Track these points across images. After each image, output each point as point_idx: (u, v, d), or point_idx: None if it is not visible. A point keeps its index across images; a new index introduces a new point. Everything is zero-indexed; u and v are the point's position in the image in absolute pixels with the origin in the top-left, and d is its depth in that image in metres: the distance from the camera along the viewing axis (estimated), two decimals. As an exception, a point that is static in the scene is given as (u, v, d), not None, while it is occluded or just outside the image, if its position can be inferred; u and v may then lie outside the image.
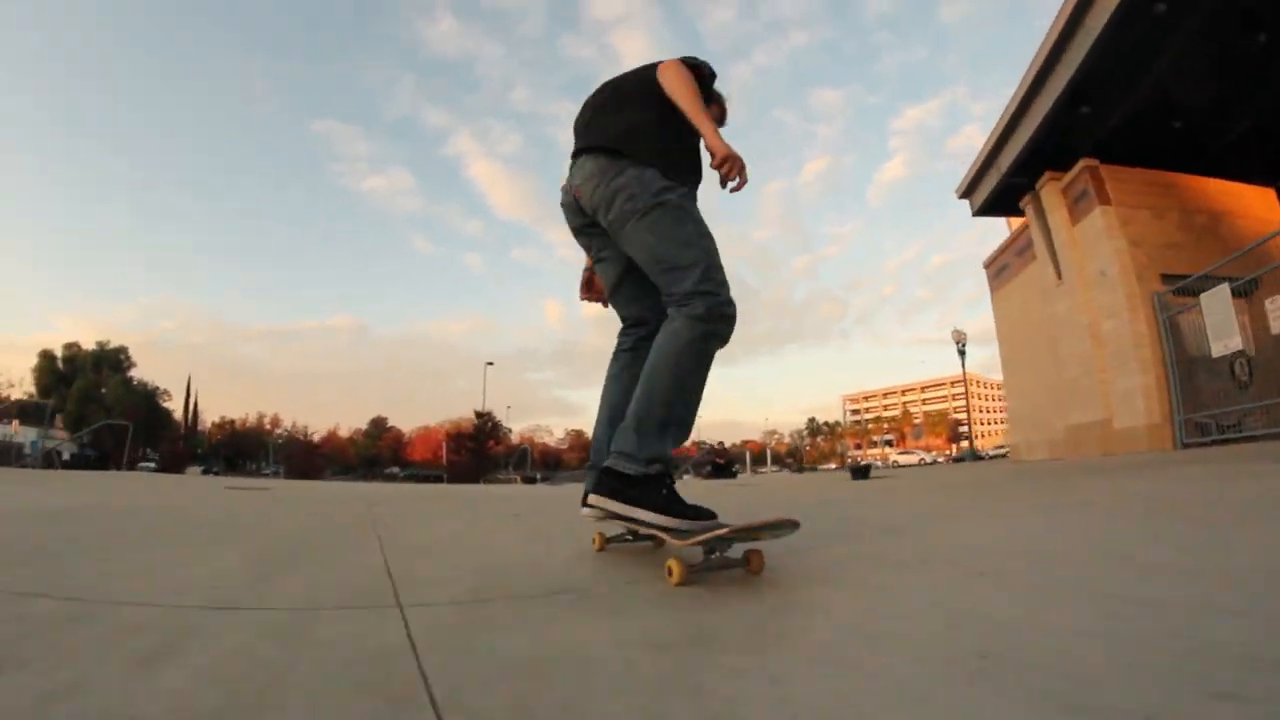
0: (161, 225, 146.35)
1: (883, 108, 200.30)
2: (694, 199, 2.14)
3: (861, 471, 11.67)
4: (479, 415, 57.75)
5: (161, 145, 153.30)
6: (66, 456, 34.72)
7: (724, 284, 1.95)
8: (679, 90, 2.05)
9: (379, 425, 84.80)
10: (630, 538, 2.23)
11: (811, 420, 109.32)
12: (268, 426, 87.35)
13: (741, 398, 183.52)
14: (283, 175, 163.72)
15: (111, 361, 60.11)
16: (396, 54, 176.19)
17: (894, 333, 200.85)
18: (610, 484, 1.85)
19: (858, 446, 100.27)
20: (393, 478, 66.57)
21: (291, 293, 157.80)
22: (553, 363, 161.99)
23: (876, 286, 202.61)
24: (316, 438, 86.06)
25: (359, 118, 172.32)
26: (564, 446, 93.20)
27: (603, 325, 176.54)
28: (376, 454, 76.73)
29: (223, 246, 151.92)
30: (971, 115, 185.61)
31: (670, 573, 1.64)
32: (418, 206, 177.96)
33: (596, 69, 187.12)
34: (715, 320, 1.90)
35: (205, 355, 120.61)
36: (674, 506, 1.77)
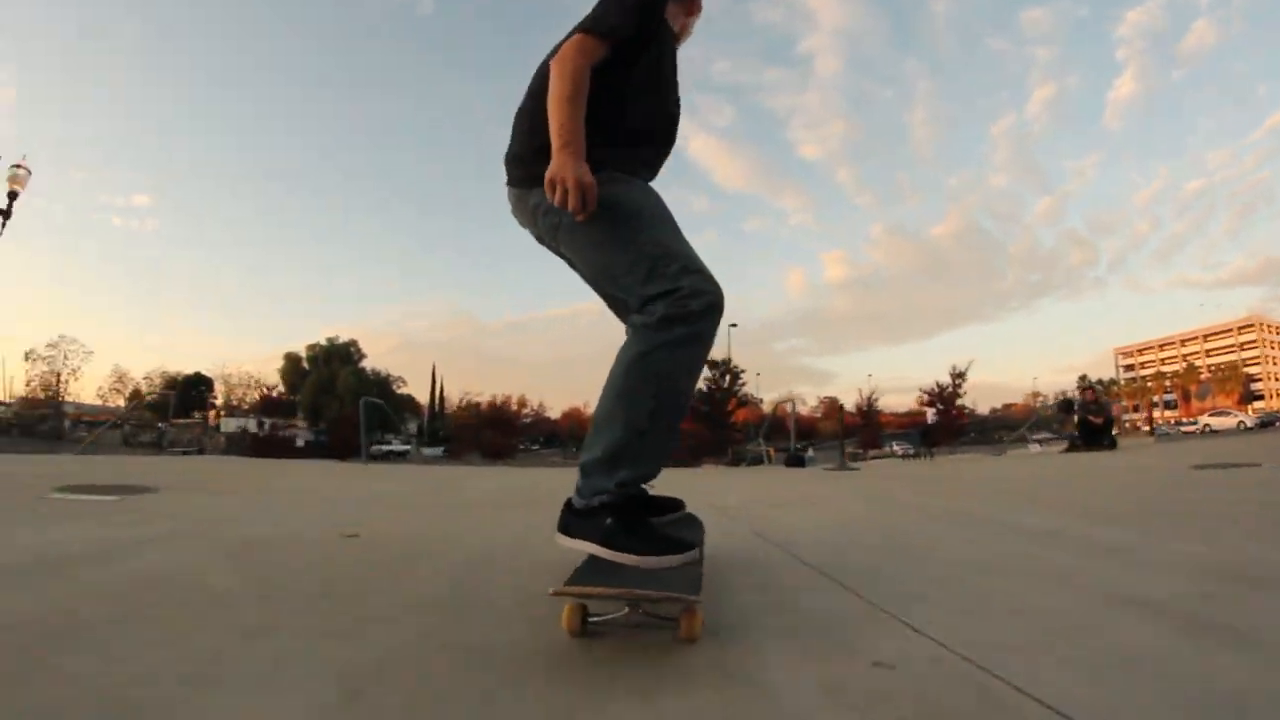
0: (398, 237, 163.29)
1: (1098, 16, 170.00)
2: (627, 182, 1.87)
3: (797, 460, 11.29)
4: (713, 366, 40.32)
5: (403, 166, 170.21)
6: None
7: (683, 273, 1.71)
8: (552, 92, 1.79)
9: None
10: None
11: (1083, 378, 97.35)
12: (514, 407, 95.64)
13: (999, 357, 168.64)
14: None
15: (342, 354, 68.53)
16: None
17: (1152, 276, 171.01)
18: (563, 517, 1.75)
19: (1135, 408, 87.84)
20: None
21: (539, 285, 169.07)
22: (799, 330, 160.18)
23: (1127, 224, 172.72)
24: (556, 415, 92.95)
25: None
26: (817, 415, 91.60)
27: (849, 290, 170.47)
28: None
29: (467, 250, 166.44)
30: (1198, 7, 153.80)
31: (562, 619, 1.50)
32: None
33: (791, 30, 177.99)
34: (679, 321, 1.67)
35: (455, 350, 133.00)
36: (618, 539, 1.59)
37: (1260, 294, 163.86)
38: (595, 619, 1.56)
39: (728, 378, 41.99)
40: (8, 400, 57.27)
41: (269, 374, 70.23)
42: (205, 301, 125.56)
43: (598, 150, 1.77)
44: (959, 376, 41.55)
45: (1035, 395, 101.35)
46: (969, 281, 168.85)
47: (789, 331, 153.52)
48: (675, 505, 2.08)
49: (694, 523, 2.12)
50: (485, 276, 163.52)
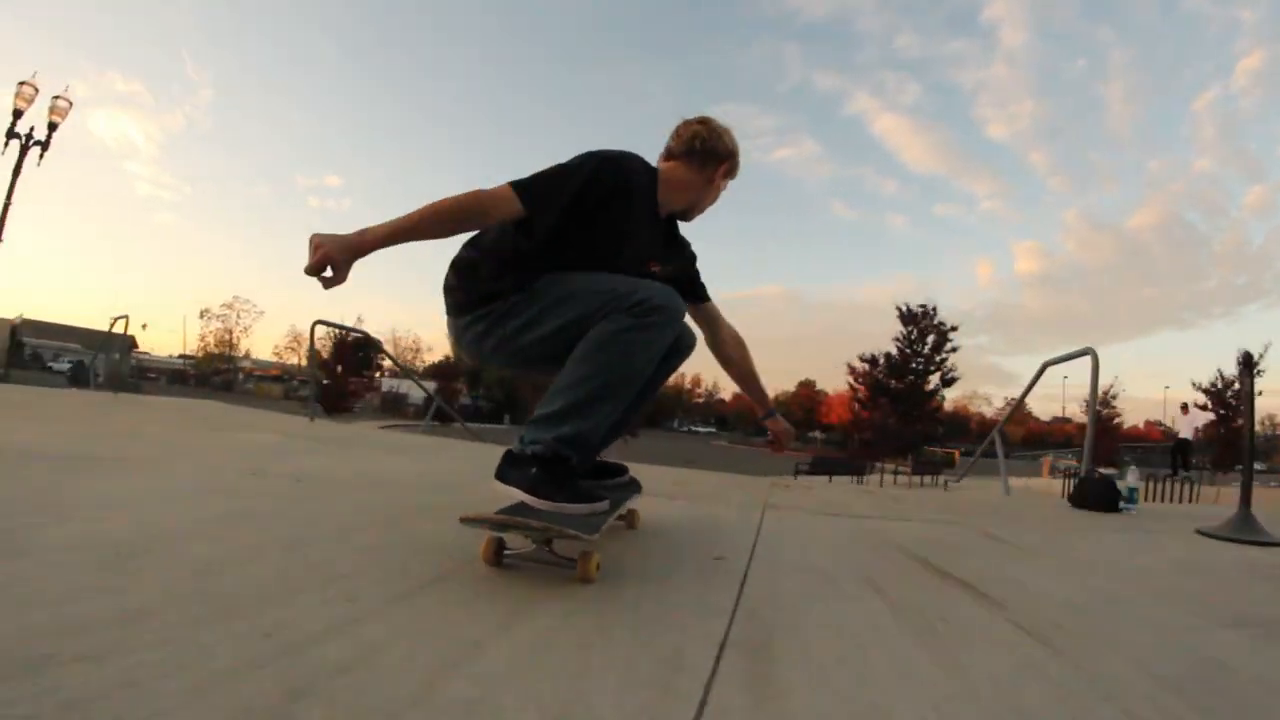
0: None
1: None
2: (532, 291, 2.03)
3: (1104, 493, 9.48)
4: (909, 319, 26.92)
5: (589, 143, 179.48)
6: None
7: (642, 288, 1.90)
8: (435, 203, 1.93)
9: (804, 386, 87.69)
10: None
11: None
12: (688, 386, 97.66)
13: (1198, 368, 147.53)
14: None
15: None
16: (771, 28, 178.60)
17: None
18: (500, 464, 1.90)
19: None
20: (809, 441, 68.74)
21: (723, 267, 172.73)
22: (986, 327, 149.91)
23: None
24: (727, 397, 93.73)
25: (754, 96, 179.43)
26: (999, 417, 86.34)
27: (1040, 288, 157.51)
28: (787, 414, 79.53)
29: None
30: None
31: (481, 551, 1.75)
32: (830, 172, 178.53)
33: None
34: (650, 312, 1.86)
35: None
36: (538, 486, 1.78)
37: None
38: (509, 553, 1.78)
39: (931, 337, 25.08)
40: (188, 354, 64.83)
41: (441, 340, 74.13)
42: (386, 271, 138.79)
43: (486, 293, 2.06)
44: (1252, 366, 31.28)
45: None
46: (1169, 281, 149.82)
47: (975, 327, 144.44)
48: (619, 470, 2.31)
49: (630, 486, 2.32)
50: None
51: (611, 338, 1.85)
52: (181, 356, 66.71)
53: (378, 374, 50.85)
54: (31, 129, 12.58)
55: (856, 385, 14.70)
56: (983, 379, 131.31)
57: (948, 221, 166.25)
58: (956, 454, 24.19)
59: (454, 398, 18.25)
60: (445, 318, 2.19)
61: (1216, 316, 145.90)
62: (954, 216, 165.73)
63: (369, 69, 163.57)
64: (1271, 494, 11.71)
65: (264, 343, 76.57)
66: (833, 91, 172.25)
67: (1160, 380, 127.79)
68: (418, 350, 72.83)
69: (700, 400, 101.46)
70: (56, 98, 12.94)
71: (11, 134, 12.21)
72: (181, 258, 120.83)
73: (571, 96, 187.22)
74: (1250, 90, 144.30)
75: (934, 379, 25.03)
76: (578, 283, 1.98)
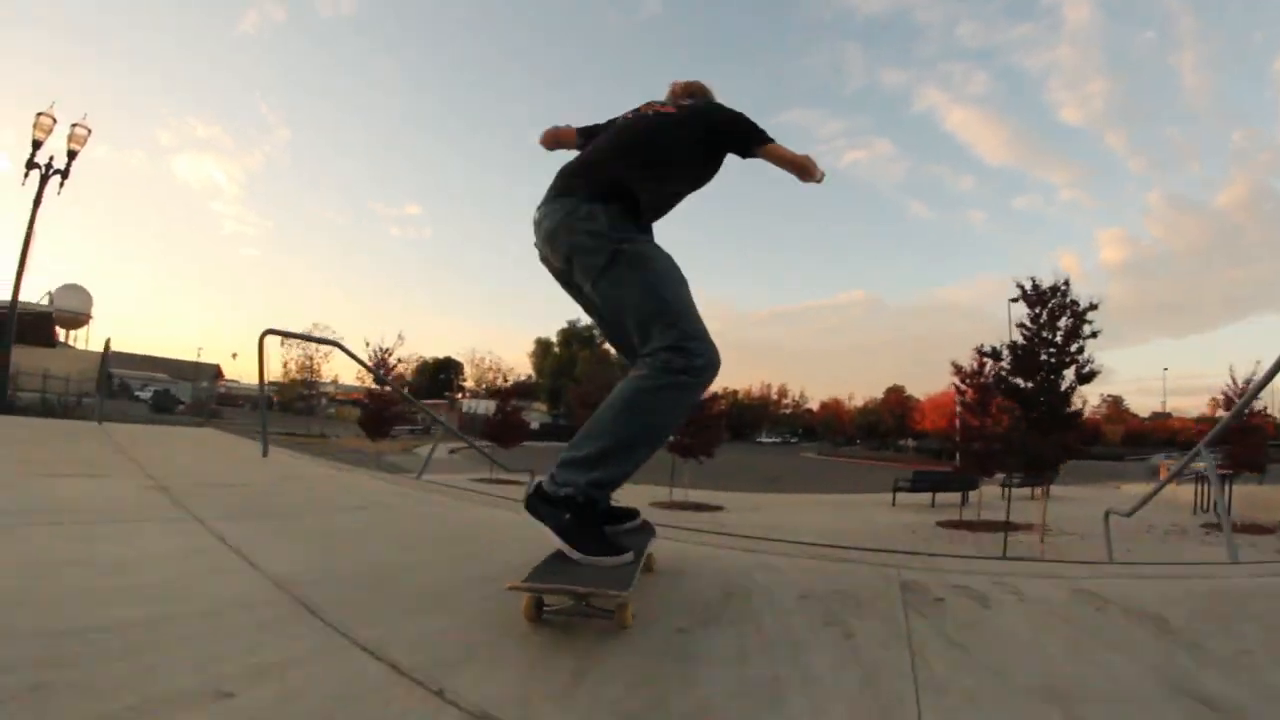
0: (667, 229, 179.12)
1: None
2: (658, 245, 2.22)
3: None
4: (1034, 299, 14.00)
5: None
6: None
7: (695, 334, 1.99)
8: (785, 154, 2.37)
9: (894, 393, 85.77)
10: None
11: None
12: (774, 396, 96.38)
13: None
14: (768, 168, 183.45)
15: (583, 338, 71.50)
16: (830, 30, 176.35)
17: None
18: (531, 496, 1.97)
19: None
20: (901, 450, 66.47)
21: (802, 276, 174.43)
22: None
23: None
24: (814, 406, 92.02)
25: (819, 100, 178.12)
26: (1098, 416, 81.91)
27: (1127, 277, 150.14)
28: (877, 421, 77.33)
29: (725, 242, 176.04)
30: None
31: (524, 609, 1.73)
32: (904, 171, 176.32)
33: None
34: (684, 371, 1.94)
35: (717, 339, 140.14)
36: (571, 534, 1.86)
37: None
38: (549, 609, 1.78)
39: (1064, 320, 12.55)
40: (273, 380, 68.06)
41: (522, 361, 76.21)
42: (465, 294, 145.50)
43: (645, 220, 2.26)
44: None
45: None
46: (1264, 260, 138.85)
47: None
48: (632, 514, 2.36)
49: (645, 530, 2.37)
50: (748, 264, 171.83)
51: (655, 392, 1.94)
52: (269, 383, 69.10)
53: (459, 395, 51.86)
54: (51, 159, 12.71)
55: (963, 388, 13.39)
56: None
57: (1028, 214, 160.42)
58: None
59: (512, 421, 18.08)
60: (554, 199, 2.18)
61: None
62: (1034, 209, 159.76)
63: (441, 98, 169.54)
64: None
65: (347, 368, 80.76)
66: (899, 88, 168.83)
67: (1260, 369, 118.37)
68: (498, 370, 74.87)
69: (787, 410, 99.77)
70: (75, 125, 13.09)
71: (31, 164, 12.28)
72: (267, 290, 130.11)
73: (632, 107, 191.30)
74: None
75: (1068, 374, 19.23)
76: (668, 271, 2.11)
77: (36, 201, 12.52)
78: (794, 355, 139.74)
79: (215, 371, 71.06)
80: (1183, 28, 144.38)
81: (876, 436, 75.31)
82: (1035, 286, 8.83)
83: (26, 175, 12.48)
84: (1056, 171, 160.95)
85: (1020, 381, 8.62)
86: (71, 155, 13.00)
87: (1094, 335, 8.58)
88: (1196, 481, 16.20)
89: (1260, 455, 13.12)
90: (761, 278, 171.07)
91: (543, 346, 74.55)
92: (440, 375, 76.19)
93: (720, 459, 16.35)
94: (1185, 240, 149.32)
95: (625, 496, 2.42)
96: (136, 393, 44.69)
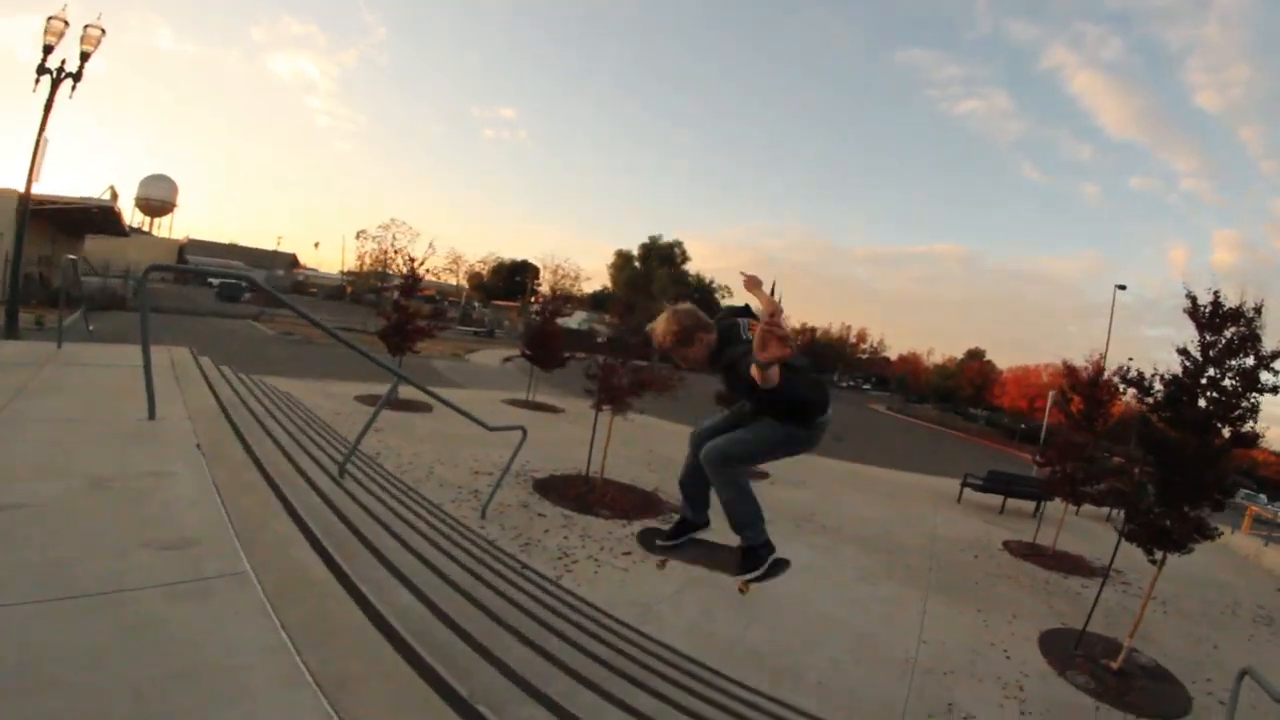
0: (773, 157, 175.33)
1: None
2: None
3: None
4: (1211, 319, 9.95)
5: (769, 88, 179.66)
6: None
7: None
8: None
9: (974, 356, 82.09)
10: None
11: None
12: (853, 339, 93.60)
13: None
14: (878, 107, 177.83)
15: (664, 254, 69.58)
16: None
17: None
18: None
19: None
20: (972, 420, 63.74)
21: (898, 220, 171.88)
22: (1171, 318, 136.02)
23: None
24: (893, 355, 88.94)
25: (939, 42, 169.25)
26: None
27: (1237, 283, 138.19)
28: (954, 386, 74.02)
29: (830, 176, 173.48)
30: None
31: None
32: (1021, 130, 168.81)
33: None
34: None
35: (809, 272, 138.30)
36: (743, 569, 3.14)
37: None
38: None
39: (1248, 359, 7.81)
40: (349, 271, 68.86)
41: (601, 272, 75.84)
42: (554, 202, 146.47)
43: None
44: None
45: None
46: None
47: (1163, 318, 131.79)
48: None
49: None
50: (851, 199, 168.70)
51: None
52: (343, 273, 71.00)
53: (532, 299, 51.73)
54: (63, 61, 11.98)
55: (1070, 394, 11.40)
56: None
57: (1144, 197, 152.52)
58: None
59: (550, 333, 16.71)
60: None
61: None
62: (1151, 192, 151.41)
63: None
64: None
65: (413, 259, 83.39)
66: (1026, 42, 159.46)
67: None
68: (576, 278, 74.32)
69: (864, 356, 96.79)
70: (88, 26, 12.38)
71: (42, 69, 11.67)
72: (357, 184, 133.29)
73: (754, 41, 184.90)
74: None
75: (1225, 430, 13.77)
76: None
77: (47, 108, 11.92)
78: (882, 300, 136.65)
79: (291, 260, 72.72)
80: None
81: (951, 401, 72.21)
82: (1216, 304, 6.70)
83: (37, 81, 11.88)
84: (1181, 158, 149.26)
85: (1168, 431, 6.70)
86: (84, 57, 12.29)
87: (1276, 390, 6.51)
88: None
89: None
90: (862, 215, 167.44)
91: (623, 259, 73.01)
92: (516, 278, 75.85)
93: None
94: None
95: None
96: (210, 279, 46.16)
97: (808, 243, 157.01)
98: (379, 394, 14.08)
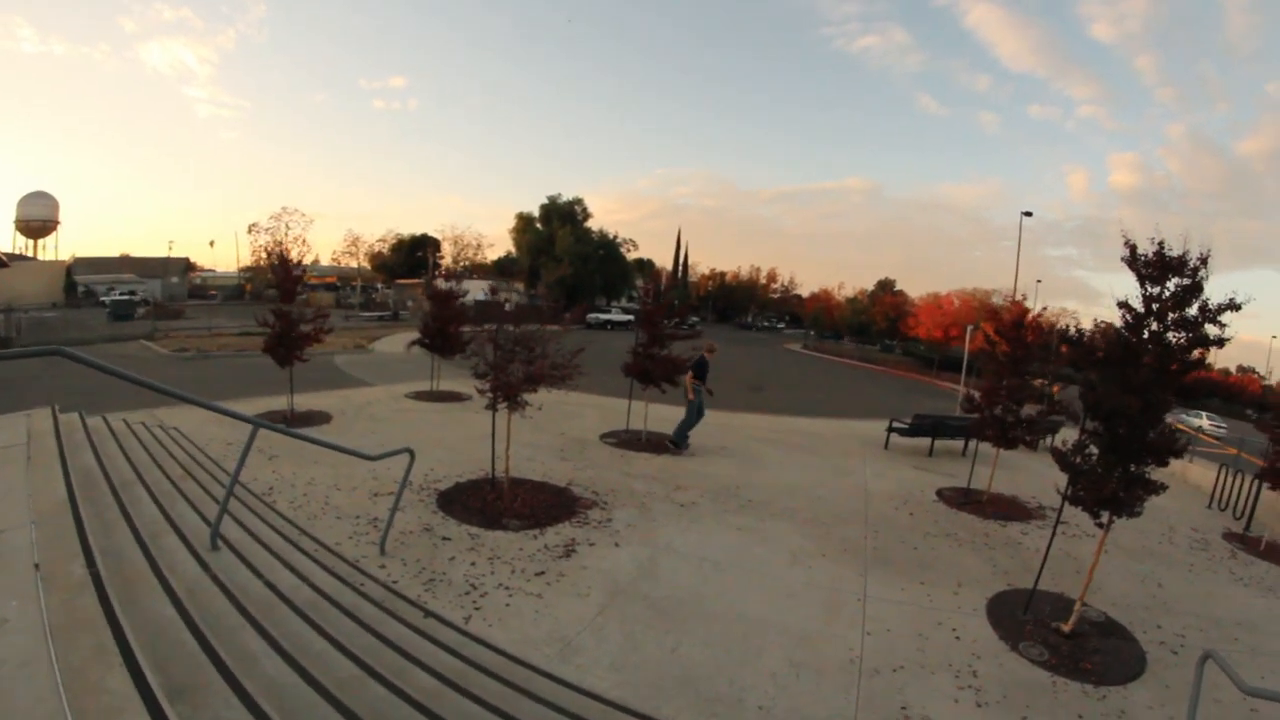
0: (672, 106, 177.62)
1: None
2: None
3: None
4: (1152, 269, 8.10)
5: (664, 32, 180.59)
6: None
7: None
8: None
9: (885, 288, 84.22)
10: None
11: None
12: (763, 280, 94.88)
13: None
14: (775, 48, 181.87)
15: (564, 213, 69.12)
16: None
17: None
18: None
19: None
20: (889, 351, 65.44)
21: (802, 159, 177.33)
22: (1074, 239, 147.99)
23: None
24: (804, 293, 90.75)
25: None
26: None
27: (1135, 204, 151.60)
28: (868, 320, 75.88)
29: (731, 120, 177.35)
30: None
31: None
32: (920, 63, 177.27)
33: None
34: None
35: (716, 216, 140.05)
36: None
37: None
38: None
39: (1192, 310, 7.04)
40: (246, 267, 67.88)
41: (504, 237, 75.04)
42: (449, 169, 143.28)
43: None
44: None
45: None
46: (1276, 214, 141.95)
47: (1064, 238, 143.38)
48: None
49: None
50: (754, 145, 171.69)
51: None
52: (240, 270, 69.80)
53: (436, 275, 50.73)
54: None
55: (995, 338, 11.36)
56: (1067, 293, 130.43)
57: (1042, 124, 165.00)
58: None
59: (449, 316, 15.44)
60: None
61: None
62: (1050, 120, 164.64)
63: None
64: None
65: (324, 248, 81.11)
66: None
67: (1253, 323, 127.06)
68: (479, 247, 72.87)
69: (776, 295, 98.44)
70: None
71: None
72: (247, 174, 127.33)
73: None
74: None
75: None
76: None
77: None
78: (790, 239, 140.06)
79: (185, 265, 69.53)
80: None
81: (867, 335, 74.10)
82: (1161, 252, 6.43)
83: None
84: (1078, 86, 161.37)
85: (1113, 386, 6.43)
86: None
87: (1220, 343, 6.34)
88: (1220, 470, 14.44)
89: None
90: (766, 156, 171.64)
91: (524, 221, 71.38)
92: (417, 253, 73.98)
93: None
94: (1201, 180, 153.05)
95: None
96: (103, 298, 44.33)
97: (713, 188, 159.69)
98: (278, 409, 13.24)
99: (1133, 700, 5.90)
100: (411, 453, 7.43)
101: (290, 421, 12.45)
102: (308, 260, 17.24)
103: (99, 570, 3.29)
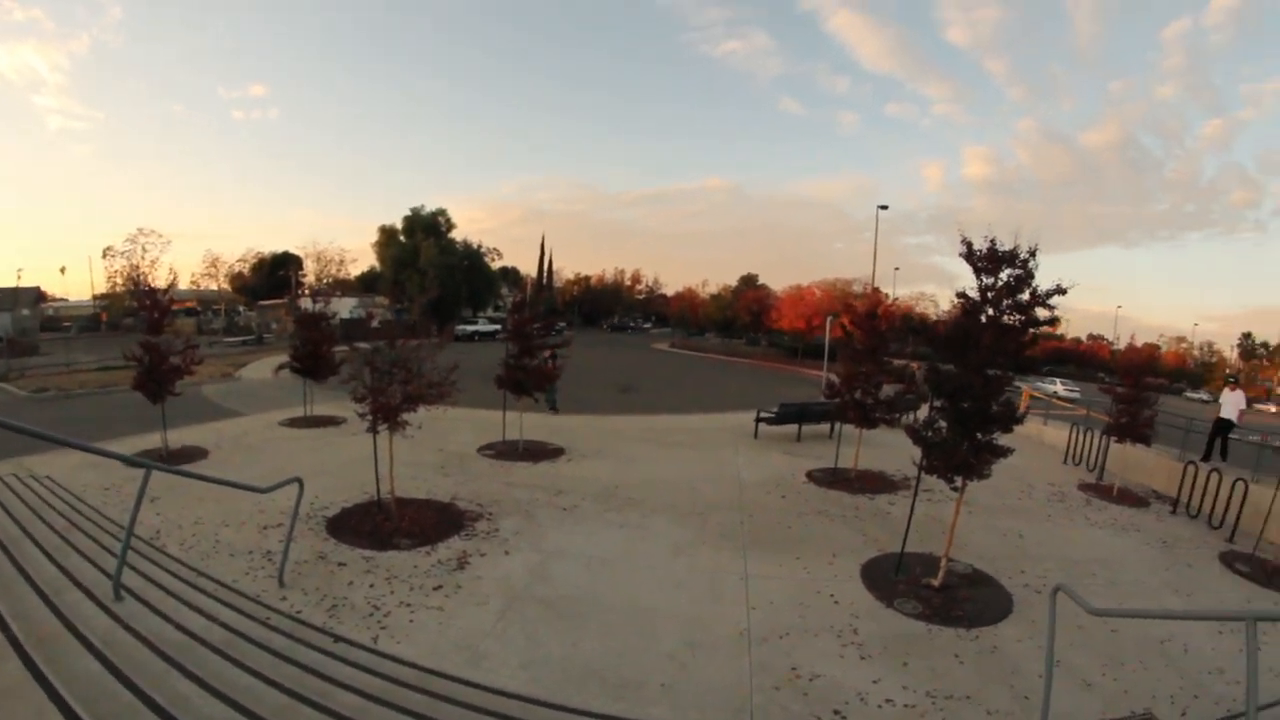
0: (533, 113, 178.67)
1: None
2: None
3: None
4: (986, 260, 10.45)
5: (526, 37, 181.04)
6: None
7: None
8: None
9: (748, 283, 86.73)
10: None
11: (1246, 337, 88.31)
12: (628, 282, 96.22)
13: (1142, 290, 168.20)
14: (640, 53, 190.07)
15: (427, 225, 68.37)
16: None
17: None
18: None
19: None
20: (755, 344, 67.70)
21: (666, 161, 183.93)
22: (930, 227, 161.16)
23: None
24: (669, 293, 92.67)
25: None
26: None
27: (989, 193, 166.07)
28: (733, 315, 78.08)
29: (594, 125, 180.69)
30: None
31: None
32: (781, 67, 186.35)
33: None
34: None
35: (581, 220, 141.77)
36: None
37: None
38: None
39: (1023, 297, 8.01)
40: (101, 295, 62.76)
41: (367, 252, 73.00)
42: (311, 182, 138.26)
43: None
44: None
45: (1180, 340, 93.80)
46: (1118, 199, 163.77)
47: (921, 227, 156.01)
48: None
49: None
50: (617, 149, 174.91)
51: None
52: (95, 299, 63.89)
53: (300, 293, 48.98)
54: None
55: (851, 328, 12.45)
56: (927, 278, 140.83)
57: (899, 122, 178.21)
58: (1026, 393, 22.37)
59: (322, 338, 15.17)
60: None
61: (1162, 239, 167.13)
62: (906, 118, 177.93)
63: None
64: None
65: (183, 270, 75.63)
66: None
67: (1101, 295, 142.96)
68: (342, 263, 70.70)
69: (642, 296, 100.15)
70: None
71: None
72: (100, 192, 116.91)
73: None
74: (1223, 26, 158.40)
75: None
76: None
77: None
78: (654, 240, 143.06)
79: (36, 294, 62.80)
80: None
81: (732, 330, 76.36)
82: (994, 248, 7.34)
83: None
84: (934, 86, 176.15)
85: (954, 368, 7.29)
86: None
87: (1052, 322, 7.34)
88: (1072, 429, 16.34)
89: (1149, 428, 12.98)
90: (629, 159, 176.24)
91: (387, 235, 69.33)
92: (279, 272, 70.64)
93: (573, 358, 14.71)
94: (1050, 169, 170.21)
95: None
96: None
97: (577, 193, 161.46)
98: (152, 447, 12.53)
99: (1003, 635, 6.75)
100: (301, 482, 7.37)
101: (166, 459, 11.81)
102: (169, 285, 16.20)
103: (15, 634, 3.26)
